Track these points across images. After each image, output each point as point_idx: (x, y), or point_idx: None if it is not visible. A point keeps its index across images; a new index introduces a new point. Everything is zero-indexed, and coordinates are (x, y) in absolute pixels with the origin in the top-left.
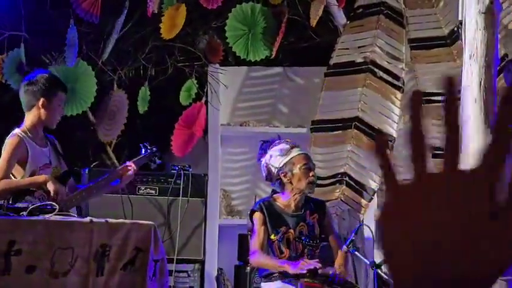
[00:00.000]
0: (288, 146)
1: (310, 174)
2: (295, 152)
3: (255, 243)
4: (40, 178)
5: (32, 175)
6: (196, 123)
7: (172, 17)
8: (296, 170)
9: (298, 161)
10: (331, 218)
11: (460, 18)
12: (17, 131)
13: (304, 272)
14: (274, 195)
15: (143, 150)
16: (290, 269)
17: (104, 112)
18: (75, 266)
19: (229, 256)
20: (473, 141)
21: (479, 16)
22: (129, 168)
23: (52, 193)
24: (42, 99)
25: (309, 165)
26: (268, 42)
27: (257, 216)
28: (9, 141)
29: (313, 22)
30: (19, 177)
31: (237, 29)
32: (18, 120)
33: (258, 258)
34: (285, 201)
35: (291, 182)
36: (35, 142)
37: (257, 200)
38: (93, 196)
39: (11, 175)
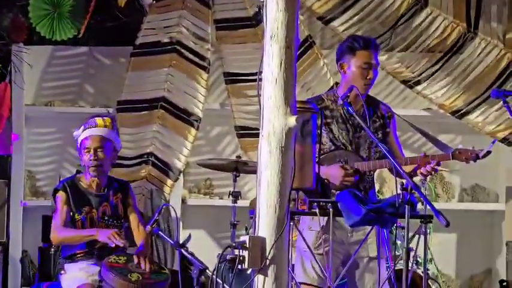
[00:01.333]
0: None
1: None
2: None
3: (56, 221)
4: None
5: None
6: (4, 104)
7: None
8: None
9: None
10: (134, 198)
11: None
12: None
13: (113, 245)
14: (78, 175)
15: None
16: (99, 237)
17: None
18: None
19: (34, 238)
20: (273, 120)
21: None
22: None
23: None
24: None
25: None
26: (75, 21)
27: (60, 195)
28: None
29: (122, 2)
30: None
31: (40, 8)
32: None
33: (61, 233)
34: (88, 181)
35: None
36: None
37: (61, 180)
38: None
39: None
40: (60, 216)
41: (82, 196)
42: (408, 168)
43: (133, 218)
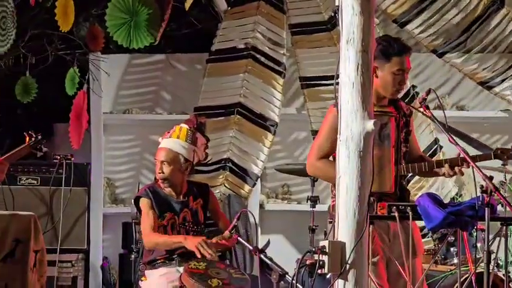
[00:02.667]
0: None
1: None
2: None
3: (145, 226)
4: None
5: None
6: (83, 113)
7: (64, 7)
8: None
9: None
10: (216, 199)
11: (337, 3)
12: None
13: (199, 256)
14: (158, 182)
15: (27, 138)
16: (187, 245)
17: None
18: None
19: (114, 245)
20: (351, 125)
21: (355, 1)
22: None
23: None
24: None
25: None
26: (152, 29)
27: (144, 202)
28: None
29: (187, 6)
30: None
31: (117, 17)
32: None
33: (152, 238)
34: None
35: None
36: None
37: (141, 187)
38: None
39: None
40: (148, 221)
41: (164, 202)
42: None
43: (222, 220)
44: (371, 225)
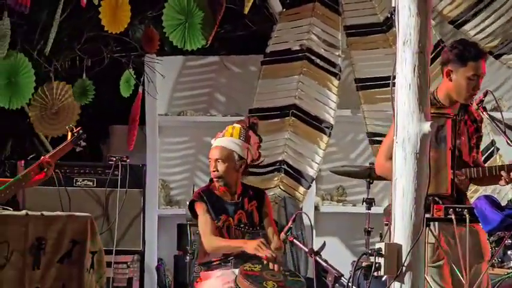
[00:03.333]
0: None
1: None
2: None
3: (205, 230)
4: None
5: None
6: (136, 115)
7: (113, 9)
8: None
9: None
10: (270, 207)
11: (393, 5)
12: None
13: (263, 256)
14: (212, 184)
15: (69, 134)
16: (247, 249)
17: (42, 105)
18: (11, 260)
19: (169, 246)
20: (408, 126)
21: (411, 2)
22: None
23: None
24: None
25: None
26: (205, 31)
27: (199, 205)
28: None
29: (246, 9)
30: None
31: (173, 18)
32: None
33: (213, 242)
34: (222, 189)
35: None
36: None
37: (195, 189)
38: (21, 188)
39: None
40: (206, 225)
41: (218, 204)
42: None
43: (270, 228)
44: (439, 229)
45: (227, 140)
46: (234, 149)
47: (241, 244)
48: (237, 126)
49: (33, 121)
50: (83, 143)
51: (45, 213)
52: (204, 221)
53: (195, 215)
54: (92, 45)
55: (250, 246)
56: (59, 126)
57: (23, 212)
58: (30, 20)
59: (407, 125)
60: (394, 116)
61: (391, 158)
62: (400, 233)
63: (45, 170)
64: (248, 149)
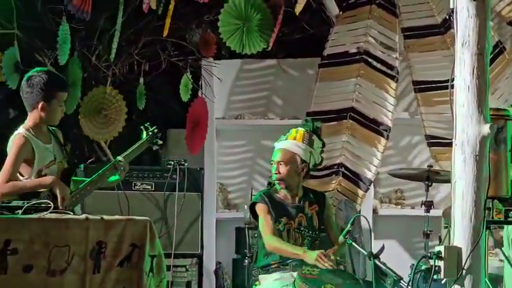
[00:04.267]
0: None
1: None
2: None
3: (266, 231)
4: (47, 180)
5: (38, 173)
6: (203, 120)
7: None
8: None
9: None
10: (332, 209)
11: (451, 6)
12: (21, 130)
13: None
14: (272, 187)
15: (144, 133)
16: (306, 259)
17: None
18: (72, 264)
19: (227, 250)
20: (467, 129)
21: (470, 3)
22: (121, 164)
23: (59, 200)
24: (41, 103)
25: None
26: (264, 34)
27: (260, 207)
28: (15, 141)
29: (297, 10)
30: (26, 175)
31: (230, 24)
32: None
33: (274, 243)
34: (283, 192)
35: None
36: (39, 140)
37: (254, 192)
38: (91, 191)
39: (18, 174)
40: (268, 225)
41: (280, 207)
42: None
43: (332, 232)
44: None
45: (290, 143)
46: (297, 152)
47: (300, 253)
48: (301, 129)
49: (82, 124)
50: (160, 141)
51: (105, 217)
52: (266, 222)
53: (255, 216)
54: (149, 49)
55: (310, 257)
56: (106, 131)
57: (83, 216)
58: (88, 25)
59: (467, 127)
60: (453, 118)
61: None
62: (460, 235)
63: (119, 170)
64: (311, 153)
